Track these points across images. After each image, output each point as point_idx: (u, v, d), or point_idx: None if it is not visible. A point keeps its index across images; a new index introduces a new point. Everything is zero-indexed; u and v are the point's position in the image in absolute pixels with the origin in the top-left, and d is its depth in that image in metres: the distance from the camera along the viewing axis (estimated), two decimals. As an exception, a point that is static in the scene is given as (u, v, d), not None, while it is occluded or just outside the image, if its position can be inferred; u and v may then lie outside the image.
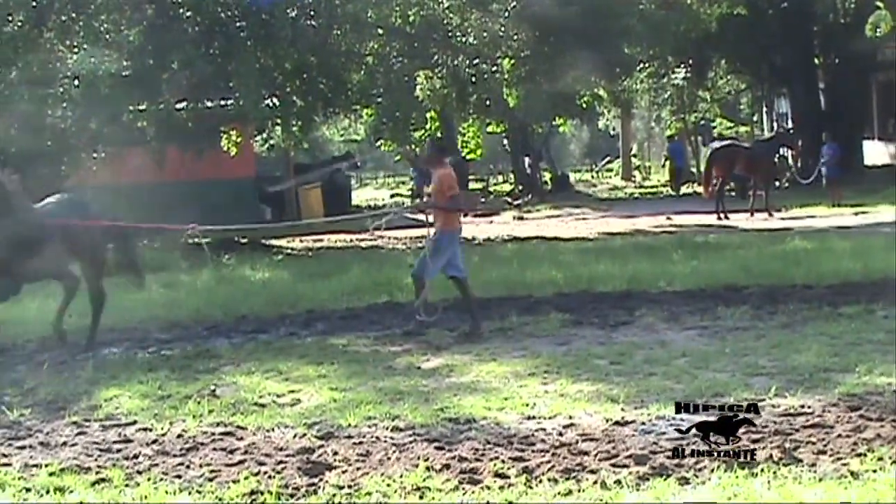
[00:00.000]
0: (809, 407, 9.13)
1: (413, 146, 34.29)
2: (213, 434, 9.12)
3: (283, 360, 12.41)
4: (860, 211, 29.92)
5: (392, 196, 54.28)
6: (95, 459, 8.48)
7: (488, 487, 7.39)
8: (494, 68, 30.63)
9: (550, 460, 7.88)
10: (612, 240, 26.08)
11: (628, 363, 11.38)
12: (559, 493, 7.23)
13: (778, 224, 27.70)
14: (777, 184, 35.18)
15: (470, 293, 14.02)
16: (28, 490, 7.76)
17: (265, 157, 40.78)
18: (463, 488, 7.42)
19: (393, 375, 11.39)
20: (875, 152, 44.32)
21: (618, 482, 7.32)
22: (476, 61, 30.63)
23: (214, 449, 8.65)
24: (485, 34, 29.56)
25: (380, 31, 29.71)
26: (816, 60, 44.15)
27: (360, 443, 8.66)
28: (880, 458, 7.55)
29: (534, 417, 9.32)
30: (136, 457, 8.52)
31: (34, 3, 24.68)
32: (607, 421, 9.02)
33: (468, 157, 53.05)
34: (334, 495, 7.39)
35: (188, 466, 8.19)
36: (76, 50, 24.27)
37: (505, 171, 60.64)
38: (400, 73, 30.86)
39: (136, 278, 14.89)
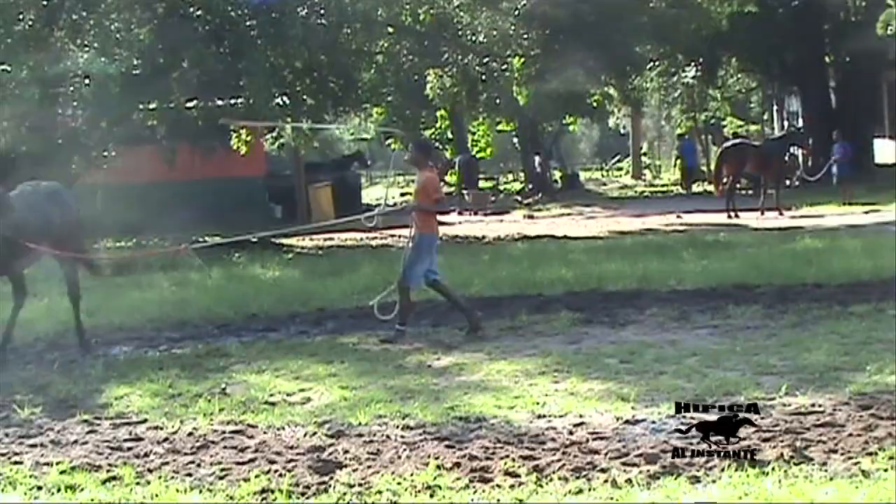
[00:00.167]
0: (820, 406, 9.11)
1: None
2: (223, 432, 9.13)
3: (294, 358, 12.42)
4: (871, 209, 29.86)
5: (402, 195, 54.27)
6: (106, 458, 8.49)
7: (499, 486, 7.39)
8: (504, 67, 30.64)
9: (561, 459, 7.88)
10: (623, 238, 26.05)
11: (638, 362, 11.36)
12: (570, 492, 7.23)
13: (788, 223, 27.65)
14: (787, 182, 35.13)
15: (452, 293, 13.98)
16: (39, 488, 7.77)
17: (275, 156, 40.85)
18: (473, 487, 7.42)
19: (403, 374, 11.39)
20: (886, 151, 44.20)
21: (628, 481, 7.32)
22: (486, 60, 30.64)
23: (225, 447, 8.66)
24: (495, 33, 29.58)
25: (390, 29, 29.71)
26: (827, 59, 44.10)
27: (371, 441, 8.66)
28: (891, 457, 7.53)
29: (544, 416, 9.31)
30: (146, 455, 8.53)
31: (45, 3, 24.73)
32: (618, 419, 9.02)
33: (478, 155, 53.07)
34: (345, 494, 7.39)
35: (199, 465, 8.20)
36: (87, 49, 24.29)
37: (515, 169, 60.61)
38: (410, 72, 30.89)
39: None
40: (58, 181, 14.90)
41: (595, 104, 46.27)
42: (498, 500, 7.17)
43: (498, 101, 34.66)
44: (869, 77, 41.88)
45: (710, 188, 36.85)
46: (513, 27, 29.57)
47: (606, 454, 7.97)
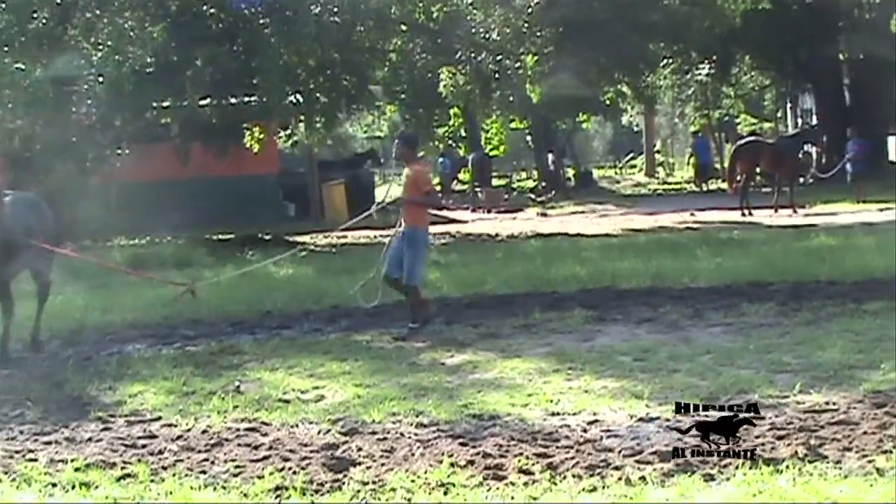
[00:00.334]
0: (834, 404, 9.10)
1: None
2: (237, 430, 9.15)
3: (307, 356, 12.43)
4: (885, 207, 29.73)
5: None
6: (121, 455, 8.50)
7: (513, 483, 7.39)
8: (518, 64, 30.60)
9: (575, 457, 7.88)
10: (636, 236, 26.02)
11: (652, 360, 11.36)
12: (583, 490, 7.22)
13: (802, 220, 27.59)
14: (801, 180, 35.06)
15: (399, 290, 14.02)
16: (54, 485, 7.78)
17: (289, 154, 40.86)
18: (487, 484, 7.42)
19: (417, 372, 11.39)
20: (900, 149, 44.15)
21: (642, 479, 7.31)
22: (499, 57, 30.61)
23: (239, 445, 8.66)
24: (508, 30, 29.57)
25: (403, 27, 29.73)
26: (841, 56, 43.97)
27: (385, 439, 8.67)
28: (906, 455, 7.53)
29: (558, 414, 9.31)
30: (161, 452, 8.54)
31: (59, 1, 24.79)
32: (631, 417, 9.01)
33: (492, 153, 53.11)
34: (358, 491, 7.39)
35: (213, 462, 8.21)
36: (100, 47, 24.34)
37: (528, 167, 60.59)
38: (423, 70, 30.89)
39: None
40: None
41: (608, 102, 46.21)
42: (512, 498, 7.16)
43: (511, 98, 34.60)
44: (883, 74, 41.72)
45: (724, 186, 36.77)
46: (526, 25, 29.54)
47: (620, 452, 7.97)
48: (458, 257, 22.22)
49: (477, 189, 43.52)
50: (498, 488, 7.33)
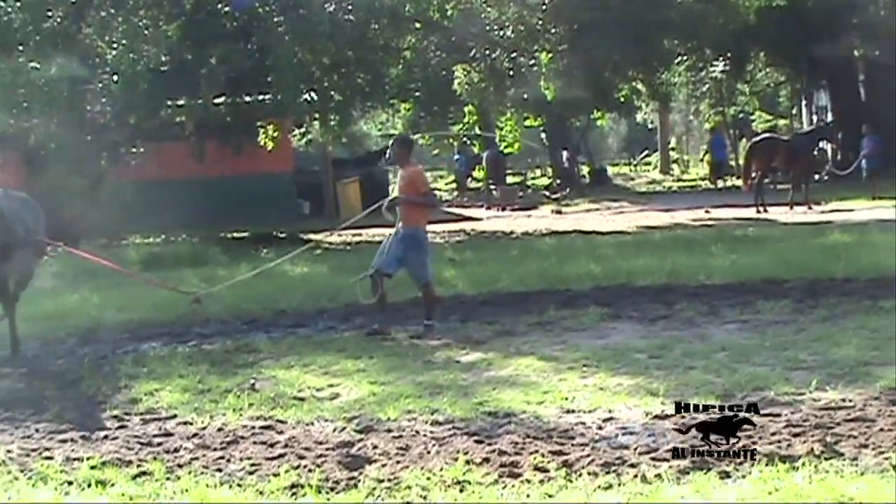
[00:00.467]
0: (850, 401, 9.07)
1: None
2: (253, 428, 9.15)
3: (323, 354, 12.45)
4: (901, 204, 29.69)
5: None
6: (136, 453, 8.52)
7: (528, 481, 7.38)
8: (532, 62, 30.58)
9: (590, 454, 7.87)
10: (651, 233, 25.99)
11: (668, 357, 11.34)
12: (599, 487, 7.21)
13: (817, 217, 27.54)
14: (816, 177, 34.98)
15: (386, 293, 13.99)
16: (70, 483, 7.79)
17: (303, 152, 40.89)
18: (503, 482, 7.41)
19: (432, 369, 11.39)
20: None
21: (658, 476, 7.29)
22: (514, 55, 30.61)
23: (255, 443, 8.67)
24: (522, 28, 29.55)
25: (417, 25, 29.75)
26: (856, 52, 43.83)
27: (400, 436, 8.67)
28: (922, 452, 7.50)
29: (573, 411, 9.30)
30: (176, 450, 8.56)
31: (73, 0, 24.83)
32: (647, 415, 8.99)
33: (506, 151, 53.02)
34: (374, 489, 7.39)
35: (229, 460, 8.22)
36: (115, 46, 24.40)
37: (543, 164, 60.53)
38: (437, 67, 30.90)
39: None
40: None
41: (623, 99, 46.14)
42: (527, 496, 7.15)
43: (525, 96, 34.57)
44: (898, 71, 41.62)
45: (739, 183, 36.71)
46: (540, 22, 29.52)
47: (636, 449, 7.95)
48: (472, 255, 22.22)
49: (491, 187, 43.52)
50: (513, 486, 7.32)
